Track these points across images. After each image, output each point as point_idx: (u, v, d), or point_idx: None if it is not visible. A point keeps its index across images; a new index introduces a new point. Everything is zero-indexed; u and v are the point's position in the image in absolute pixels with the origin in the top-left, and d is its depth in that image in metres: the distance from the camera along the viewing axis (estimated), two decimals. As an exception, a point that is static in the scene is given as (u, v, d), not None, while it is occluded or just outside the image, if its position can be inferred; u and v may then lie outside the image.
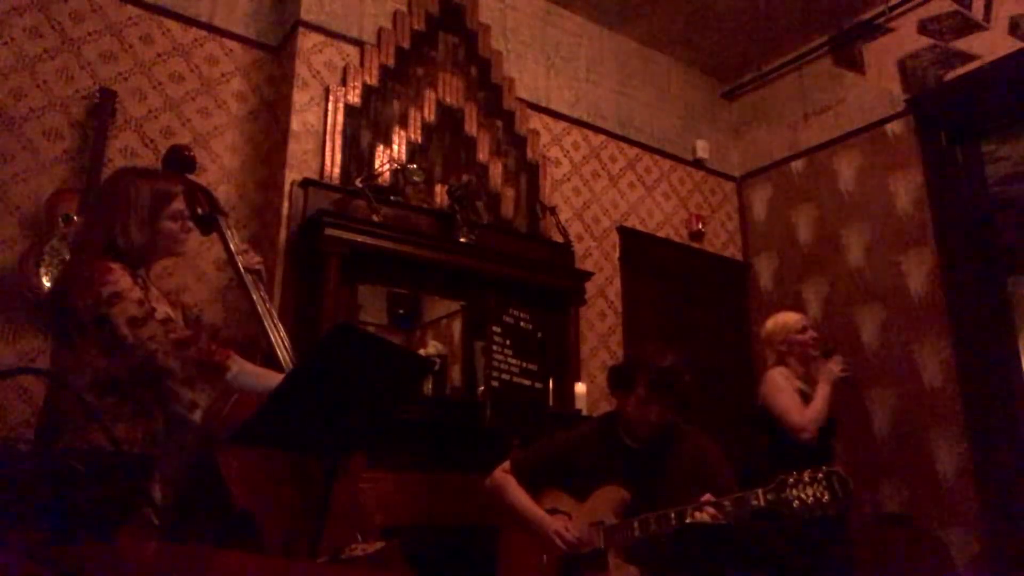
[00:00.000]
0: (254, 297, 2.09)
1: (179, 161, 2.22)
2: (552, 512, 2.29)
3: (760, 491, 1.91)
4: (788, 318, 3.20)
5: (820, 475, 1.84)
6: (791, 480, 1.87)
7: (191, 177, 2.22)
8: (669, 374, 2.21)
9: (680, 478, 2.16)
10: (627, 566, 2.09)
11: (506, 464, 2.42)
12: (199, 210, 2.15)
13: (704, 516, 1.93)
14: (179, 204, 1.92)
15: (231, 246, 2.17)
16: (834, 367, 3.01)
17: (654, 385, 2.20)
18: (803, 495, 1.84)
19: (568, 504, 2.29)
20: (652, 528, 2.04)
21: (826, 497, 1.82)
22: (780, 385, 2.97)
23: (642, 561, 2.11)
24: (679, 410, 2.27)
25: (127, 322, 1.69)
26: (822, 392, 2.92)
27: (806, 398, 2.94)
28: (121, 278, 1.74)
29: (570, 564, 2.18)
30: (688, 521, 1.99)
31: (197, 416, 1.68)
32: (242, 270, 2.13)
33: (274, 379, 1.71)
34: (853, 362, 4.07)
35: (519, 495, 2.32)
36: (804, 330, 3.13)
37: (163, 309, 1.79)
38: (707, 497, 2.00)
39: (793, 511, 1.84)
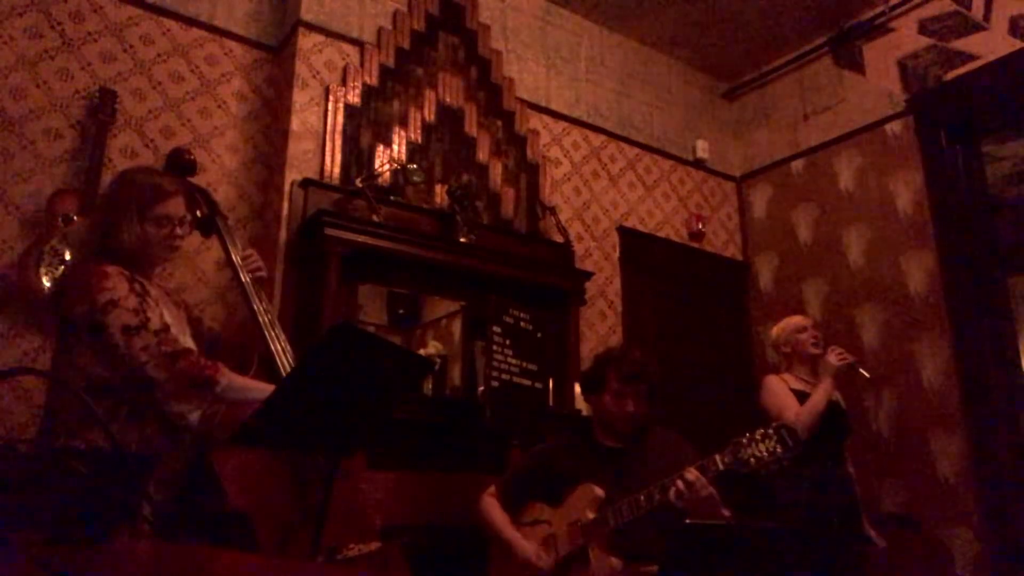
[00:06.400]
0: (255, 306, 2.05)
1: (179, 164, 2.22)
2: (534, 523, 2.35)
3: (717, 456, 2.02)
4: (791, 320, 3.27)
5: (770, 431, 1.97)
6: (744, 440, 1.99)
7: (191, 180, 2.21)
8: (637, 364, 2.34)
9: (656, 469, 2.19)
10: (608, 557, 2.16)
11: (491, 488, 2.48)
12: (198, 212, 2.14)
13: (670, 493, 2.02)
14: (170, 208, 1.87)
15: (231, 250, 2.14)
16: (832, 359, 3.02)
17: (626, 377, 2.32)
18: (757, 452, 1.96)
19: (547, 512, 2.34)
20: (625, 514, 2.12)
21: (779, 449, 1.94)
22: (774, 388, 3.05)
23: (623, 550, 2.16)
24: (651, 399, 2.36)
25: (121, 330, 1.68)
26: (821, 388, 2.94)
27: (805, 399, 2.94)
28: (118, 284, 1.73)
29: (559, 566, 2.23)
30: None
31: (195, 417, 1.68)
32: (243, 278, 2.10)
33: (263, 390, 1.70)
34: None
35: (499, 520, 2.39)
36: (804, 330, 3.17)
37: (158, 316, 1.78)
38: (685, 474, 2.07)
39: (752, 467, 1.96)
